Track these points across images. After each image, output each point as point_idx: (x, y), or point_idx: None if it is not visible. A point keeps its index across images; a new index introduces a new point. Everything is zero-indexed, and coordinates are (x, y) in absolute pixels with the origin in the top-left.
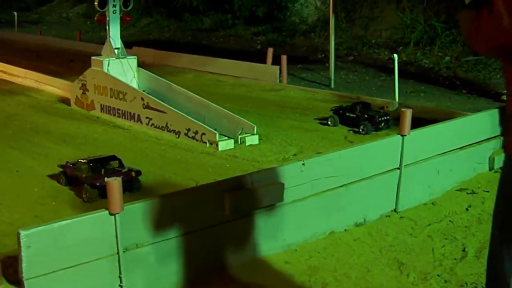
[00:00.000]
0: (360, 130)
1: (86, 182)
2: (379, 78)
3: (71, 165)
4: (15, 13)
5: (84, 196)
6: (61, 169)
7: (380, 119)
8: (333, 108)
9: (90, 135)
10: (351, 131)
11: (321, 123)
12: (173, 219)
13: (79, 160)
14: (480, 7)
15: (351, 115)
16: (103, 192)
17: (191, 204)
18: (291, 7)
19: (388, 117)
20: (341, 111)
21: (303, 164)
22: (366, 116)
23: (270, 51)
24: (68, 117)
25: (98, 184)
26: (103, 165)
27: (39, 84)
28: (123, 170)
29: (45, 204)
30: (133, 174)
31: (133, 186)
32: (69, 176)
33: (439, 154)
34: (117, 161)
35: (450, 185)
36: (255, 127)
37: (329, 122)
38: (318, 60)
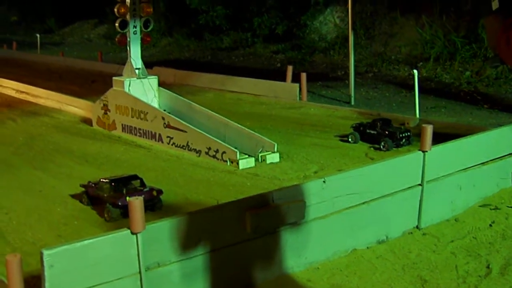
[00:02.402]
0: (381, 146)
1: (108, 202)
2: (399, 94)
3: (93, 185)
4: (38, 35)
5: (106, 215)
6: (83, 189)
7: (401, 135)
8: (354, 125)
9: (112, 155)
10: (372, 148)
11: (341, 140)
12: (195, 238)
13: (101, 179)
14: (509, 16)
15: (372, 131)
16: (125, 212)
17: (213, 223)
18: (310, 24)
19: (409, 133)
20: (361, 128)
21: (324, 181)
22: (387, 132)
23: (290, 69)
24: (90, 137)
25: (119, 203)
26: (125, 184)
27: (61, 104)
28: (145, 190)
29: (67, 224)
30: (155, 193)
31: (154, 205)
32: (91, 196)
33: (461, 169)
34: (139, 181)
35: (473, 201)
36: (276, 145)
37: (350, 139)
38: (338, 77)
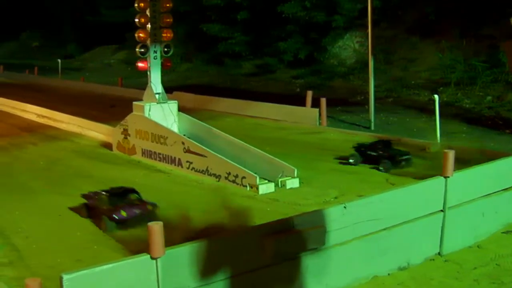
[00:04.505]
0: (381, 168)
1: (105, 214)
2: (419, 119)
3: (93, 195)
4: (59, 61)
5: (103, 227)
6: (84, 200)
7: (400, 158)
8: (355, 146)
9: (132, 179)
10: (381, 169)
11: (341, 163)
12: (215, 263)
13: (101, 191)
14: None
15: (372, 153)
16: (120, 225)
17: (233, 249)
18: (330, 49)
19: (409, 156)
20: (362, 149)
21: (344, 207)
22: (387, 154)
23: (310, 94)
24: (109, 162)
25: (115, 216)
26: (122, 197)
27: (81, 129)
28: (140, 204)
29: (87, 248)
30: (149, 207)
31: (149, 219)
32: (90, 207)
33: (483, 195)
34: (136, 194)
35: (496, 227)
36: (296, 170)
37: (351, 160)
38: (357, 102)
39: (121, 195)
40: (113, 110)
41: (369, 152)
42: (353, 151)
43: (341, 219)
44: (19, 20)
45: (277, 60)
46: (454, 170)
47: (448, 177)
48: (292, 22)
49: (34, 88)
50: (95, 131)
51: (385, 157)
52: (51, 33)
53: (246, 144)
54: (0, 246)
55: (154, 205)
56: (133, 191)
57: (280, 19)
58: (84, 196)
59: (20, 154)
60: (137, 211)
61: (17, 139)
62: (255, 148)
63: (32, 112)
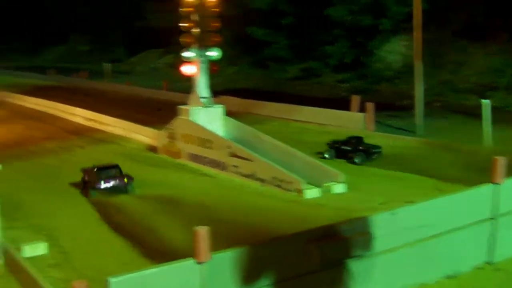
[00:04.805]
0: (356, 160)
1: (90, 184)
2: (468, 124)
3: (86, 170)
4: (107, 64)
5: (88, 194)
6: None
7: (373, 150)
8: (329, 143)
9: (177, 183)
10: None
11: (322, 157)
12: (260, 269)
13: (93, 166)
14: None
15: (347, 148)
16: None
17: (277, 254)
18: (377, 53)
19: (380, 150)
20: (336, 145)
21: (392, 213)
22: (360, 148)
23: (356, 98)
24: (155, 165)
25: (96, 186)
26: (106, 171)
27: (128, 132)
28: (119, 176)
29: (133, 251)
30: (126, 180)
31: (126, 190)
32: (84, 181)
33: None
34: (118, 169)
35: None
36: (341, 175)
37: (326, 155)
38: (404, 106)
39: (105, 169)
40: (159, 113)
41: (343, 147)
42: (328, 147)
43: (388, 226)
44: (68, 25)
45: (322, 64)
46: (505, 177)
47: (498, 184)
48: (338, 26)
49: (82, 91)
50: (141, 135)
51: (359, 151)
52: (99, 38)
53: (291, 148)
54: (48, 247)
55: (130, 178)
56: (116, 166)
57: (325, 23)
58: (82, 170)
59: (69, 157)
60: (114, 182)
61: (65, 142)
62: (301, 153)
63: (79, 115)
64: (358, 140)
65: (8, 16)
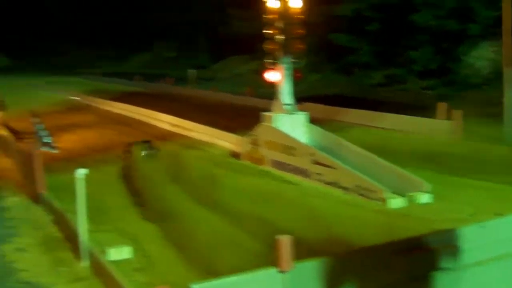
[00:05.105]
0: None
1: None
2: None
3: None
4: (192, 70)
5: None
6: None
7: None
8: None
9: (260, 189)
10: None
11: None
12: (342, 280)
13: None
14: None
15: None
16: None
17: (361, 265)
18: (464, 59)
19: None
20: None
21: (481, 226)
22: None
23: (442, 105)
24: (239, 171)
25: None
26: (144, 144)
27: (212, 138)
28: (152, 148)
29: (217, 257)
30: (155, 151)
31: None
32: (127, 151)
33: None
34: (150, 143)
35: None
36: (427, 184)
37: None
38: (493, 114)
39: (143, 142)
40: (243, 120)
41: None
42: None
43: (477, 239)
44: (154, 32)
45: (406, 71)
46: None
47: None
48: (423, 32)
49: (168, 97)
50: (224, 141)
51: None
52: (184, 44)
53: (375, 156)
54: (132, 251)
55: (157, 149)
56: (149, 141)
57: (410, 29)
58: (128, 144)
59: (153, 162)
60: (147, 151)
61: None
62: (384, 161)
63: (165, 121)
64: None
65: (99, 24)
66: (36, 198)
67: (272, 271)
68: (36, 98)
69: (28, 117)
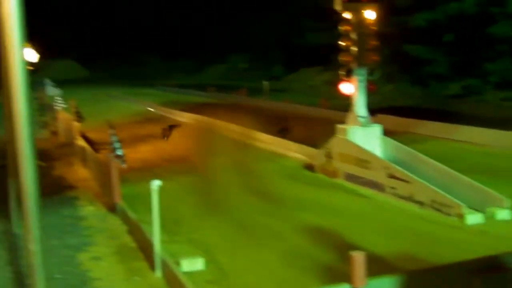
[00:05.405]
0: None
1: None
2: None
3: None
4: (265, 82)
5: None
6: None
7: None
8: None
9: (333, 202)
10: None
11: None
12: None
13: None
14: None
15: None
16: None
17: (437, 284)
18: None
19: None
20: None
21: None
22: None
23: None
24: (312, 184)
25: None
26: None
27: (285, 150)
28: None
29: (286, 271)
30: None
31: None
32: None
33: None
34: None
35: None
36: (507, 200)
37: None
38: None
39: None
40: (316, 132)
41: None
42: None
43: None
44: (228, 44)
45: (483, 82)
46: None
47: None
48: (501, 43)
49: (241, 108)
50: (297, 153)
51: None
52: (258, 56)
53: (452, 170)
54: (205, 263)
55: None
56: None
57: (487, 40)
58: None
59: (225, 173)
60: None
61: (223, 158)
62: (462, 175)
63: (237, 131)
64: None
65: (177, 36)
66: (112, 208)
67: (345, 287)
68: (113, 109)
69: (105, 128)
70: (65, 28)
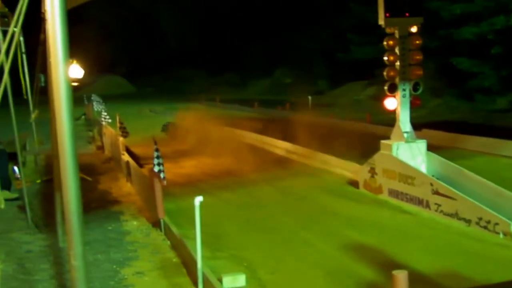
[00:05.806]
0: None
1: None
2: None
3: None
4: (310, 97)
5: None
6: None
7: None
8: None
9: (376, 219)
10: None
11: None
12: None
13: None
14: None
15: None
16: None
17: None
18: None
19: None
20: None
21: None
22: None
23: None
24: (355, 200)
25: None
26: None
27: (328, 165)
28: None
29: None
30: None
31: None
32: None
33: None
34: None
35: None
36: None
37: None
38: None
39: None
40: (361, 147)
41: None
42: None
43: None
44: (273, 58)
45: None
46: None
47: None
48: None
49: (285, 123)
50: (341, 168)
51: None
52: (303, 70)
53: (499, 187)
54: (248, 280)
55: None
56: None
57: None
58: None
59: (270, 189)
60: None
61: (267, 173)
62: (509, 192)
63: (280, 147)
64: None
65: (221, 51)
66: (156, 223)
67: None
68: (158, 124)
69: (150, 143)
70: (115, 43)
